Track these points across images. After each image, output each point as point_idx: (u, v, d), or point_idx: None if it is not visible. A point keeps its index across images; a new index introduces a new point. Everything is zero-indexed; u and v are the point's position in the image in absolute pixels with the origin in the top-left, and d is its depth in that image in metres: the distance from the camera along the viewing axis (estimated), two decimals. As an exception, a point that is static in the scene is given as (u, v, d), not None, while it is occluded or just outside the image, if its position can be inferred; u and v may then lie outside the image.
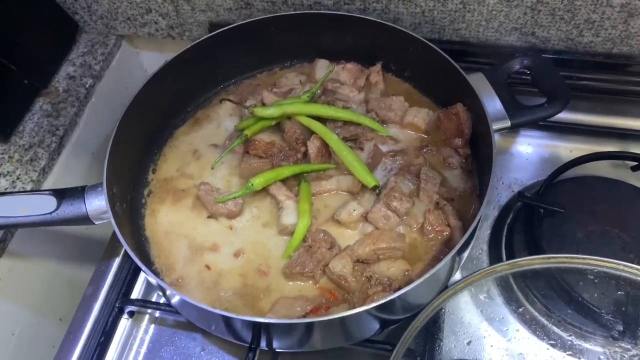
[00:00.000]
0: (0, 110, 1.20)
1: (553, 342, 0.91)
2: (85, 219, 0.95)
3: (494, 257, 1.06)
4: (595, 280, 0.91)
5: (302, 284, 0.94)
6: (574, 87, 1.17)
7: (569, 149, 1.19)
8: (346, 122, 1.10)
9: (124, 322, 1.05)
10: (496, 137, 1.18)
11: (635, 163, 1.11)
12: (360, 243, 0.93)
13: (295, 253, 0.95)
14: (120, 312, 1.04)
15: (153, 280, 0.86)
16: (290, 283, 0.95)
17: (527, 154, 1.20)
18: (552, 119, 1.05)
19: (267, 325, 0.83)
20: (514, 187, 1.14)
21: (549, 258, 0.90)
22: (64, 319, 1.28)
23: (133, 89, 1.06)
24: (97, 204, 0.94)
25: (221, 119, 1.19)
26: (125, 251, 1.07)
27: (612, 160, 1.13)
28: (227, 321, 0.86)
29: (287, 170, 1.04)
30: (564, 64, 1.19)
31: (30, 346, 1.19)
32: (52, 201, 0.95)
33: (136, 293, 1.09)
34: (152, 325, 1.05)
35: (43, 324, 1.24)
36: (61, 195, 0.96)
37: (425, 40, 1.08)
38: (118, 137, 1.00)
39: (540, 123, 1.17)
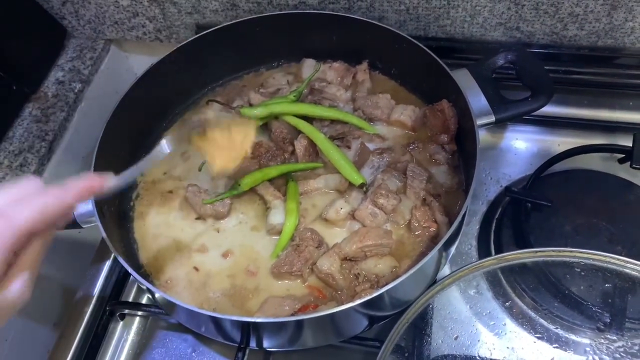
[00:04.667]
0: (-12, 116, 1.20)
1: (540, 335, 0.91)
2: (72, 223, 0.95)
3: (483, 252, 1.06)
4: (583, 273, 0.91)
5: (291, 283, 0.94)
6: (561, 80, 1.17)
7: (557, 142, 1.19)
8: (333, 121, 1.11)
9: (115, 325, 1.06)
10: (483, 133, 1.19)
11: (623, 155, 1.11)
12: (348, 241, 0.93)
13: (283, 252, 0.95)
14: (111, 315, 1.05)
15: (142, 283, 0.86)
16: (279, 282, 0.95)
17: (516, 148, 1.20)
18: (539, 112, 1.05)
19: (256, 324, 0.83)
20: (503, 182, 1.15)
21: (536, 252, 0.91)
22: (58, 323, 1.28)
23: (122, 93, 1.06)
24: (84, 207, 0.95)
25: (209, 121, 1.19)
26: (114, 254, 1.09)
27: (600, 153, 1.13)
28: (216, 322, 0.87)
29: (274, 170, 1.04)
30: (549, 58, 1.19)
31: (24, 352, 1.19)
32: (40, 206, 0.95)
33: (127, 296, 1.09)
34: (143, 328, 1.06)
35: (37, 330, 1.24)
36: (49, 199, 0.96)
37: (410, 38, 1.08)
38: (105, 140, 1.00)
39: (528, 117, 1.17)
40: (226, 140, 0.92)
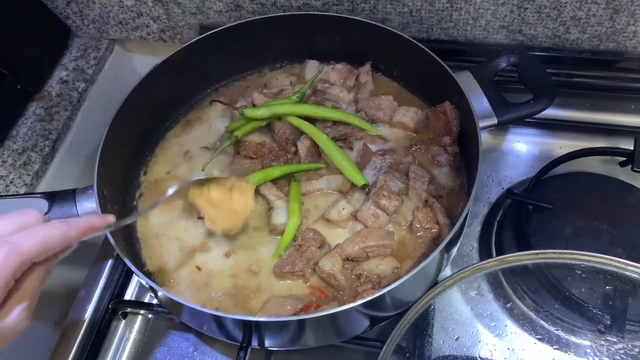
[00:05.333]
0: (-7, 115, 1.21)
1: (541, 336, 0.92)
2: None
3: (484, 254, 1.06)
4: (583, 275, 0.92)
5: (293, 283, 0.95)
6: (562, 84, 1.17)
7: (559, 145, 1.19)
8: (336, 122, 1.11)
9: (117, 324, 1.06)
10: (485, 135, 1.20)
11: (624, 158, 1.11)
12: (350, 241, 0.94)
13: (286, 252, 0.95)
14: (114, 313, 1.05)
15: (145, 281, 0.87)
16: (281, 282, 0.95)
17: (517, 151, 1.21)
18: (541, 115, 1.06)
19: (258, 323, 0.84)
20: (504, 185, 1.15)
21: (537, 254, 0.91)
22: (60, 322, 1.29)
23: (127, 93, 1.07)
24: (88, 206, 0.95)
25: (212, 121, 1.19)
26: (118, 253, 1.09)
27: (601, 156, 1.13)
28: (218, 321, 0.87)
29: (277, 171, 1.04)
30: (551, 61, 1.20)
31: (26, 350, 1.20)
32: (43, 204, 0.96)
33: (129, 294, 1.09)
34: (145, 326, 1.06)
35: (38, 328, 1.24)
36: (52, 198, 0.97)
37: (413, 40, 1.09)
38: (109, 139, 1.01)
39: (530, 120, 1.18)
40: (226, 203, 0.93)
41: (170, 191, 0.86)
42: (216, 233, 0.97)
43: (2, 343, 0.64)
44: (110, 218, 0.74)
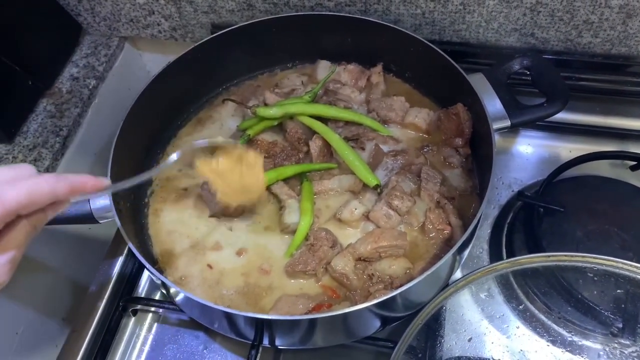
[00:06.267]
0: (4, 111, 1.21)
1: (553, 339, 0.92)
2: (89, 218, 0.96)
3: (495, 256, 1.06)
4: (595, 278, 0.92)
5: (304, 282, 0.95)
6: (573, 87, 1.17)
7: (569, 149, 1.20)
8: (347, 122, 1.11)
9: (127, 321, 1.06)
10: (496, 137, 1.20)
11: (634, 163, 1.12)
12: (362, 241, 0.94)
13: (298, 251, 0.96)
14: (124, 310, 1.05)
15: (157, 278, 0.87)
16: (293, 281, 0.95)
17: (527, 154, 1.21)
18: (551, 119, 1.06)
19: (270, 322, 0.84)
20: (514, 187, 1.15)
21: (549, 256, 0.91)
22: (67, 318, 1.29)
23: (136, 91, 1.07)
24: (101, 202, 0.95)
25: (224, 120, 1.20)
26: (129, 250, 1.09)
27: (611, 160, 1.14)
28: (230, 318, 0.87)
29: (289, 170, 1.05)
30: (563, 65, 1.20)
31: (34, 345, 1.20)
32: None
33: (139, 292, 1.10)
34: (155, 324, 1.06)
35: (46, 324, 1.25)
36: (65, 194, 0.97)
37: (425, 41, 1.09)
38: (122, 137, 1.01)
39: (540, 123, 1.18)
40: (236, 176, 0.90)
41: (174, 156, 0.81)
42: (231, 207, 0.95)
43: None
44: (105, 182, 0.70)
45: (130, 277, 1.09)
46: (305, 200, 1.00)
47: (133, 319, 1.06)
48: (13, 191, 0.60)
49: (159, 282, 0.89)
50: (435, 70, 1.10)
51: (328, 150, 1.08)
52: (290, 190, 1.03)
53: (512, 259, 0.92)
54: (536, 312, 0.96)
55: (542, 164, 1.18)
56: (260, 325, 0.87)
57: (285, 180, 1.05)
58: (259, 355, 0.90)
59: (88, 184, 0.68)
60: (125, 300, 1.05)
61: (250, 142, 1.08)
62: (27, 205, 0.61)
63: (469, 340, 0.93)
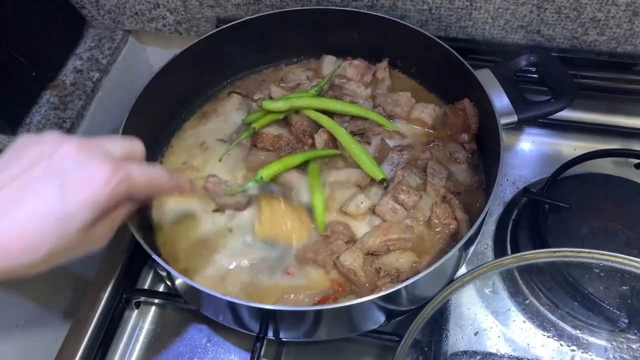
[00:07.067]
0: (8, 102, 1.20)
1: (559, 334, 0.92)
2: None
3: (499, 253, 1.06)
4: (601, 274, 0.92)
5: (311, 274, 0.94)
6: (578, 85, 1.16)
7: (573, 146, 1.20)
8: (353, 117, 1.11)
9: (130, 313, 1.05)
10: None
11: (639, 161, 1.12)
12: (370, 235, 0.93)
13: (311, 240, 0.96)
14: (127, 303, 1.04)
15: (163, 267, 0.86)
16: (299, 275, 0.95)
17: (531, 151, 1.21)
18: (556, 116, 1.06)
19: (275, 313, 0.83)
20: (519, 184, 1.15)
21: (555, 252, 0.91)
22: (68, 311, 1.28)
23: (139, 84, 1.06)
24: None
25: (229, 113, 1.19)
26: (132, 242, 1.09)
27: (616, 158, 1.14)
28: (235, 310, 0.87)
29: (295, 159, 1.04)
30: (568, 63, 1.19)
31: (35, 337, 1.19)
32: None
33: (142, 284, 1.09)
34: (158, 317, 1.05)
35: (47, 316, 1.24)
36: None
37: (433, 37, 1.09)
38: (127, 128, 1.00)
39: (544, 120, 1.18)
40: (283, 221, 0.97)
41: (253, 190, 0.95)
42: (256, 235, 0.98)
43: (83, 252, 0.65)
44: (197, 189, 0.74)
45: (133, 269, 1.08)
46: (312, 177, 1.00)
47: (136, 311, 1.06)
48: (139, 175, 0.62)
49: (164, 273, 0.88)
50: (442, 66, 1.10)
51: (334, 144, 1.07)
52: (298, 173, 1.03)
53: (518, 254, 0.92)
54: (541, 308, 0.96)
55: (545, 162, 1.19)
56: (266, 317, 0.87)
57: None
58: (263, 347, 0.90)
59: (187, 186, 0.72)
60: (129, 293, 1.04)
61: (256, 136, 1.08)
62: (144, 191, 0.63)
63: (475, 334, 0.93)
